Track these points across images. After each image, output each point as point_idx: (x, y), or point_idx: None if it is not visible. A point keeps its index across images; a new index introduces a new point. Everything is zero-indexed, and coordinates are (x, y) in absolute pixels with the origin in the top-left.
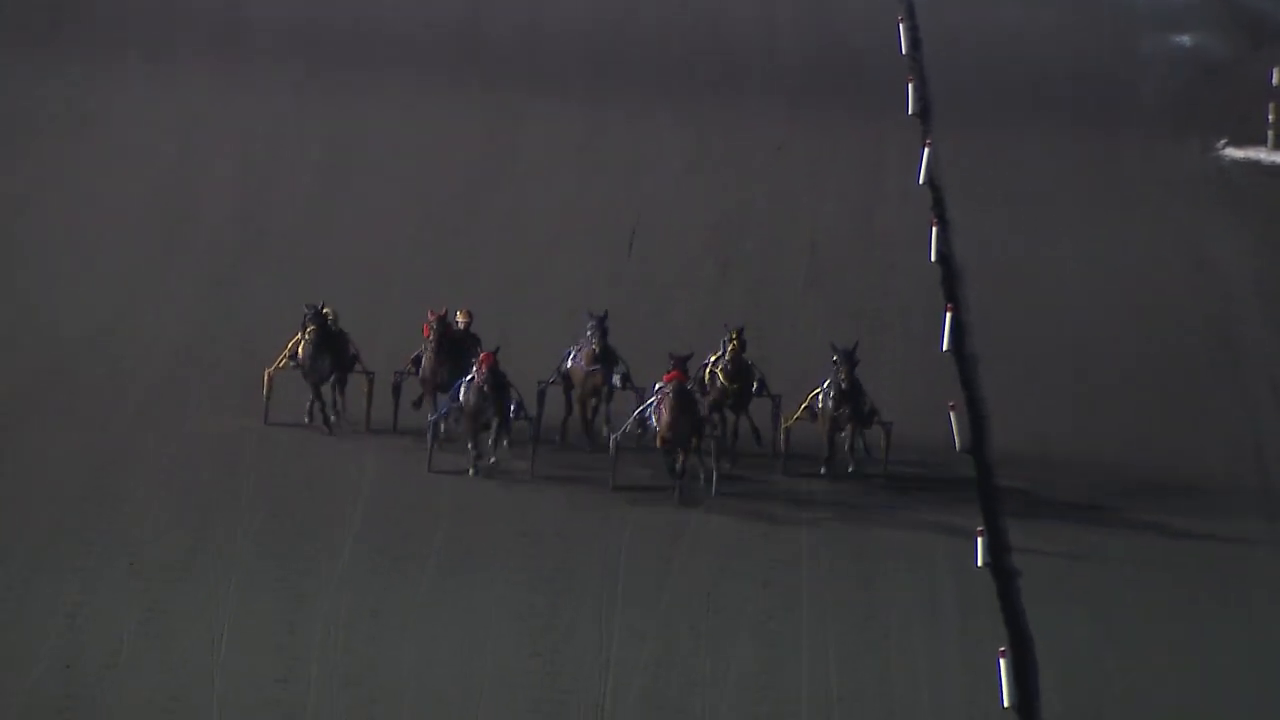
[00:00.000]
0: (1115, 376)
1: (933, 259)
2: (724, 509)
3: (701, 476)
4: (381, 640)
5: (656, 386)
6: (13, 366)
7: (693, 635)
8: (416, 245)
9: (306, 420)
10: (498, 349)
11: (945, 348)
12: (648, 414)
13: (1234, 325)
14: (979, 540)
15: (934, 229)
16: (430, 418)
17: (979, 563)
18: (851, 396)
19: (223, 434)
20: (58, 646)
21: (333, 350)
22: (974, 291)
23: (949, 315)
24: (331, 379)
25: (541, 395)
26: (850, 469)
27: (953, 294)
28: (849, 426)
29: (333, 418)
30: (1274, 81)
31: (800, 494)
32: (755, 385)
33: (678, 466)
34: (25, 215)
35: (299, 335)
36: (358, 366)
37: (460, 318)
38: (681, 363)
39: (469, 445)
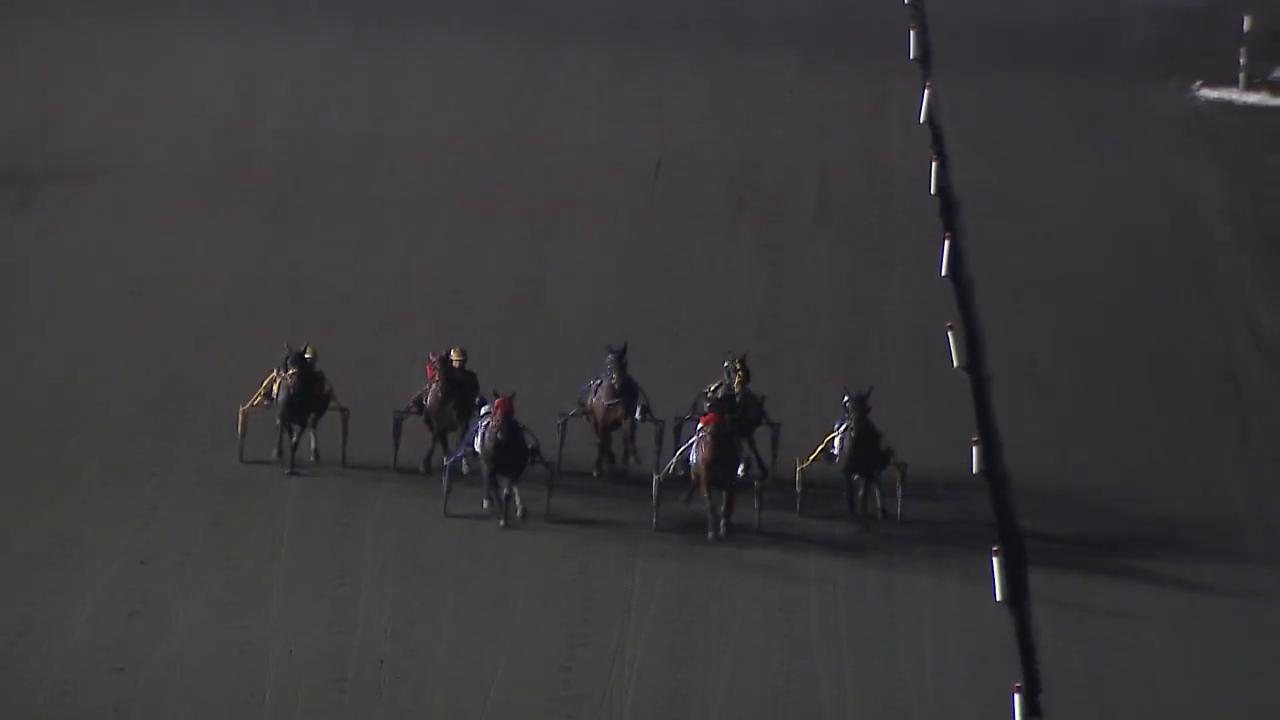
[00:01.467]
0: (1099, 300)
1: (932, 192)
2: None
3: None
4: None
5: (701, 420)
6: (90, 295)
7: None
8: (456, 181)
9: (274, 455)
10: (513, 394)
11: (944, 273)
12: (688, 455)
13: (1207, 251)
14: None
15: (933, 164)
16: (446, 461)
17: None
18: (865, 443)
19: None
20: (133, 545)
21: (309, 392)
22: (970, 221)
23: (947, 243)
24: (308, 420)
25: (563, 427)
26: (880, 517)
27: (950, 224)
28: (866, 470)
29: (311, 457)
30: (1245, 27)
31: (818, 530)
32: (756, 413)
33: (718, 507)
34: (94, 153)
35: (274, 373)
36: (332, 404)
37: (455, 356)
38: (718, 405)
39: (487, 493)
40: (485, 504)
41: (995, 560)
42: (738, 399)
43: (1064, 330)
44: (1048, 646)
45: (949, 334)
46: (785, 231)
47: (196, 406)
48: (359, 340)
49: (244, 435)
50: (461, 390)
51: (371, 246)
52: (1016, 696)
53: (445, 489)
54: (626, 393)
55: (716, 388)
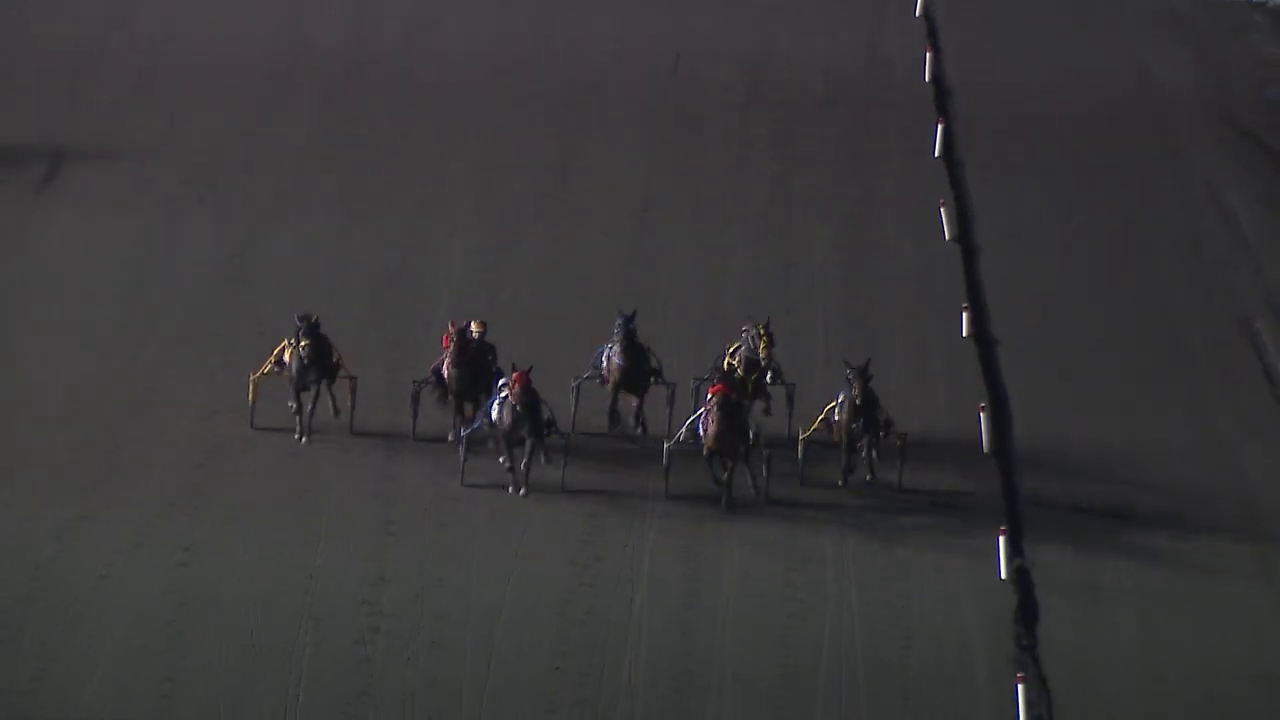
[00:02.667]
0: (1078, 177)
1: (926, 80)
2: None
3: (750, 479)
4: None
5: (709, 392)
6: (165, 170)
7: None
8: (491, 72)
9: (296, 437)
10: (530, 368)
11: (937, 154)
12: (697, 425)
13: (1176, 133)
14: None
15: (928, 55)
16: (463, 432)
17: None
18: (866, 410)
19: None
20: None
21: (321, 360)
22: (961, 106)
23: (940, 127)
24: (317, 387)
25: (577, 392)
26: (868, 478)
27: (943, 108)
28: (865, 440)
29: (333, 415)
30: None
31: (824, 497)
32: (772, 374)
33: (724, 475)
34: (165, 47)
35: (285, 342)
36: (341, 372)
37: (475, 328)
38: (727, 375)
39: (503, 461)
40: (502, 460)
41: (1001, 539)
42: (763, 363)
43: (1046, 204)
44: (1052, 624)
45: (941, 209)
46: (793, 116)
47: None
48: (405, 211)
49: (255, 402)
50: (476, 362)
51: (419, 131)
52: (1020, 687)
53: (462, 459)
54: (638, 358)
55: (736, 348)
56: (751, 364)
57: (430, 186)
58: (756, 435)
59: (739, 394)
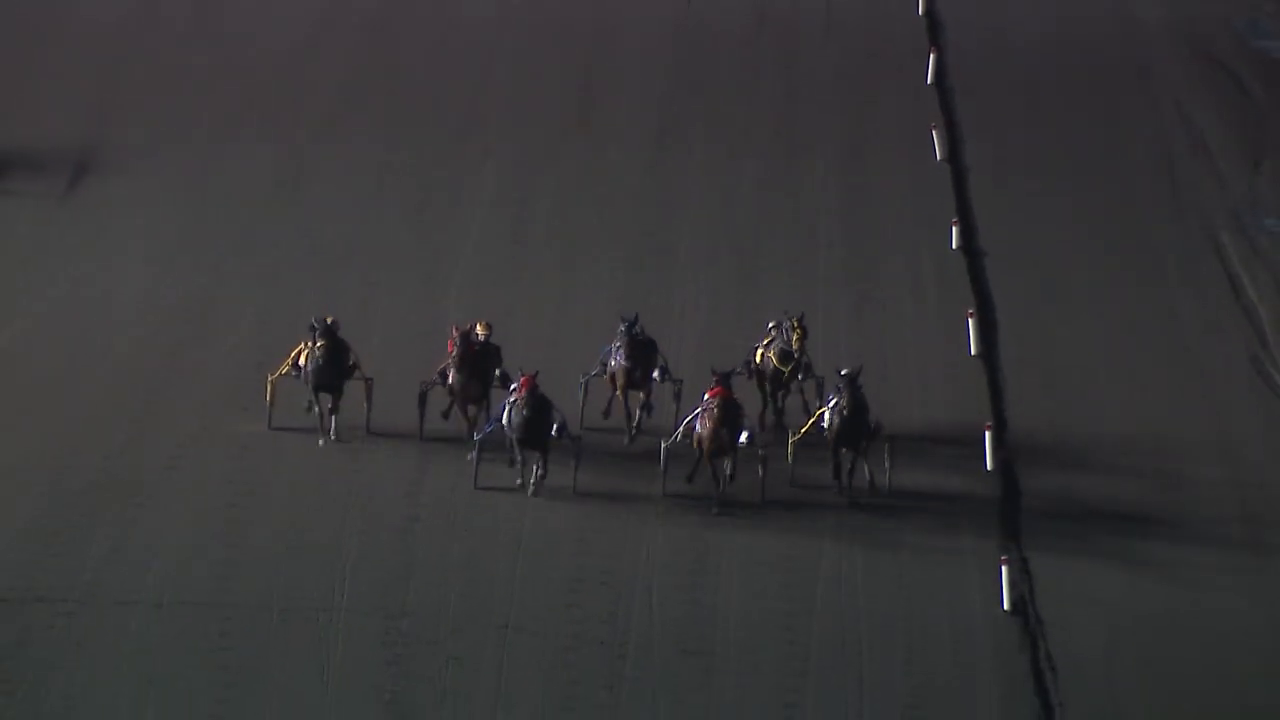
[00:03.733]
0: (1059, 100)
1: (920, 13)
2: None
3: (760, 471)
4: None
5: (707, 394)
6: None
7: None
8: (521, 12)
9: (320, 443)
10: (536, 372)
11: (929, 81)
12: (694, 424)
13: (1146, 56)
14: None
15: None
16: (476, 436)
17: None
18: (855, 418)
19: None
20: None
21: (337, 362)
22: (952, 37)
23: (933, 56)
24: (336, 385)
25: (585, 388)
26: (867, 486)
27: (936, 39)
28: (856, 448)
29: (333, 420)
30: None
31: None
32: (805, 368)
33: (723, 474)
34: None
35: (303, 345)
36: (356, 374)
37: (480, 330)
38: (724, 378)
39: (515, 465)
40: (514, 466)
41: (1004, 569)
42: (796, 356)
43: (1029, 125)
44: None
45: (934, 132)
46: (798, 44)
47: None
48: (444, 119)
49: (273, 404)
50: (480, 366)
51: (455, 54)
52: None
53: (474, 463)
54: (643, 356)
55: (769, 343)
56: (785, 356)
57: (467, 97)
58: (753, 437)
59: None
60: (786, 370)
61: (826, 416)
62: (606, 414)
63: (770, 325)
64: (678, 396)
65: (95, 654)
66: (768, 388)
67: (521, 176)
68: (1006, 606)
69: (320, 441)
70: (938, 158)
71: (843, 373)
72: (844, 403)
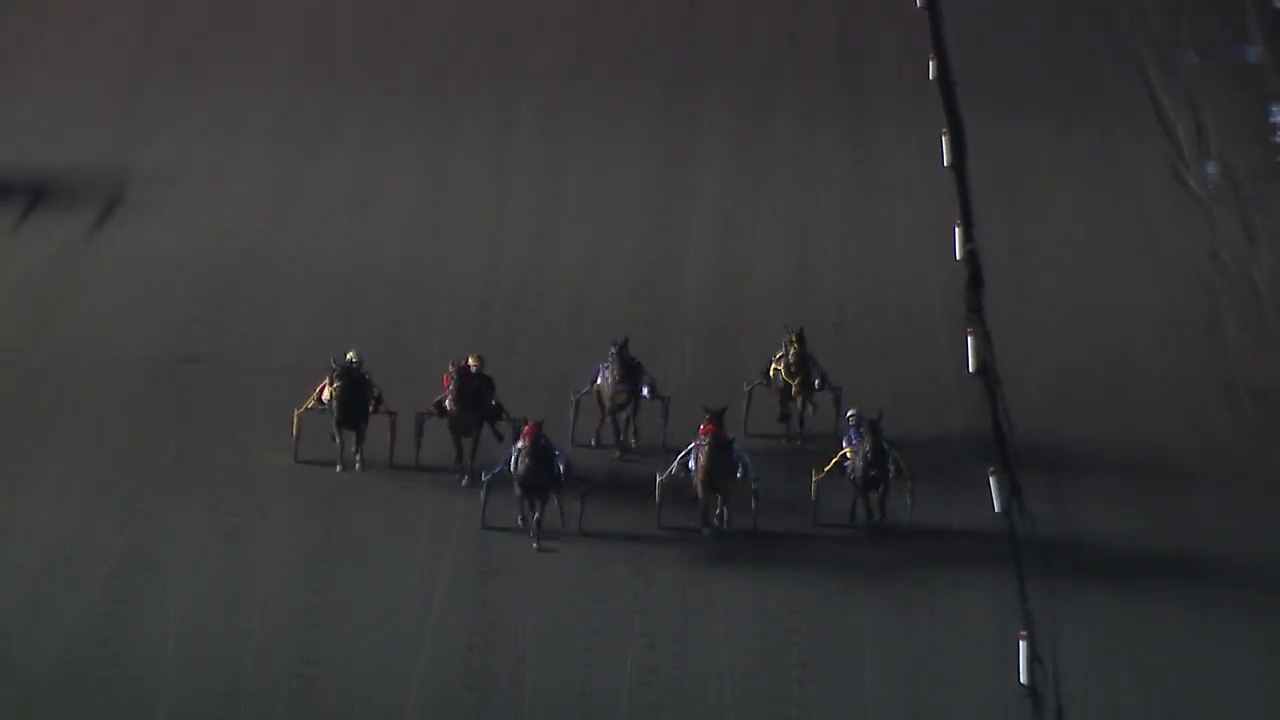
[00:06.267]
0: (1042, 38)
1: None
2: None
3: (754, 504)
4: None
5: (699, 431)
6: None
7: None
8: None
9: (337, 469)
10: (541, 421)
11: (919, 4)
12: (689, 460)
13: (1122, 5)
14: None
15: None
16: (484, 477)
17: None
18: (877, 464)
19: None
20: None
21: (359, 399)
22: None
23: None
24: (358, 422)
25: (576, 406)
26: (882, 519)
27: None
28: (878, 490)
29: (356, 465)
30: None
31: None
32: (817, 380)
33: (716, 510)
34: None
35: (326, 381)
36: (381, 408)
37: (473, 362)
38: (716, 416)
39: (520, 511)
40: (520, 519)
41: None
42: (793, 368)
43: (1016, 54)
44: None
45: (930, 63)
46: (799, 3)
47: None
48: (461, 99)
49: (299, 437)
50: (474, 400)
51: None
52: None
53: (483, 503)
54: (631, 377)
55: (780, 356)
56: (792, 370)
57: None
58: (747, 469)
59: (728, 436)
60: (795, 384)
61: (850, 459)
62: (597, 441)
63: (785, 340)
64: (665, 414)
65: None
66: (780, 399)
67: (551, 114)
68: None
69: (338, 468)
70: (931, 76)
71: (864, 419)
72: (867, 447)
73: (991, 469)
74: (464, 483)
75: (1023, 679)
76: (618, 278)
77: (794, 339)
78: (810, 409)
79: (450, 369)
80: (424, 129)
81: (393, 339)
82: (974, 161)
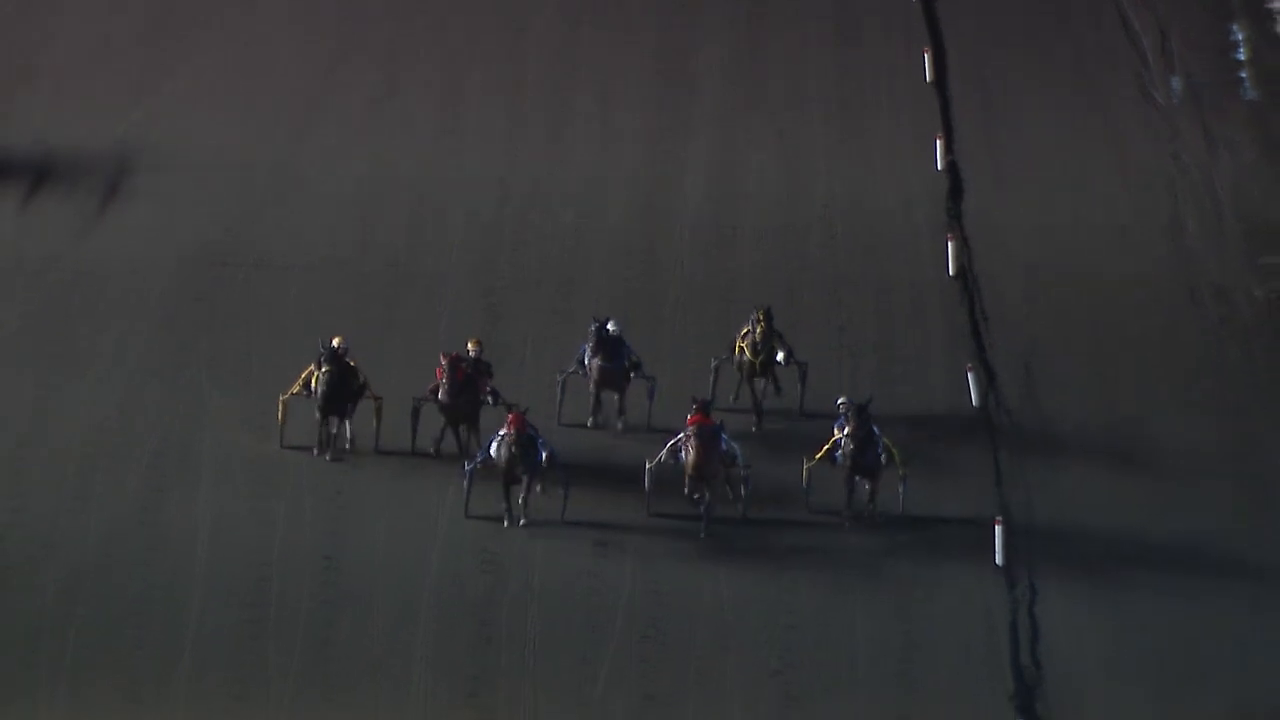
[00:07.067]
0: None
1: None
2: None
3: (734, 495)
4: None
5: (688, 421)
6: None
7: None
8: None
9: (314, 452)
10: (526, 409)
11: None
12: (679, 449)
13: None
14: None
15: None
16: (466, 466)
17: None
18: (866, 449)
19: None
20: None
21: (345, 385)
22: None
23: None
24: (344, 409)
25: (563, 385)
26: (873, 508)
27: None
28: (867, 476)
29: (346, 445)
30: None
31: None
32: (784, 355)
33: (704, 498)
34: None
35: (313, 368)
36: (366, 394)
37: (471, 346)
38: (704, 406)
39: (503, 499)
40: (504, 501)
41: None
42: (758, 345)
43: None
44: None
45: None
46: None
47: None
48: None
49: (284, 424)
50: (467, 390)
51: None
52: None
53: (466, 491)
54: (617, 355)
55: (745, 333)
56: (755, 348)
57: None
58: (736, 457)
59: (717, 423)
60: (757, 362)
61: (842, 446)
62: (594, 420)
63: (753, 318)
64: (651, 394)
65: None
66: (742, 376)
67: (555, 77)
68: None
69: (315, 452)
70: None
71: (853, 404)
72: (856, 432)
73: (969, 364)
74: (461, 477)
75: (998, 560)
76: (622, 187)
77: (760, 316)
78: (773, 388)
79: (442, 360)
80: (439, 52)
81: (413, 244)
82: (954, 78)
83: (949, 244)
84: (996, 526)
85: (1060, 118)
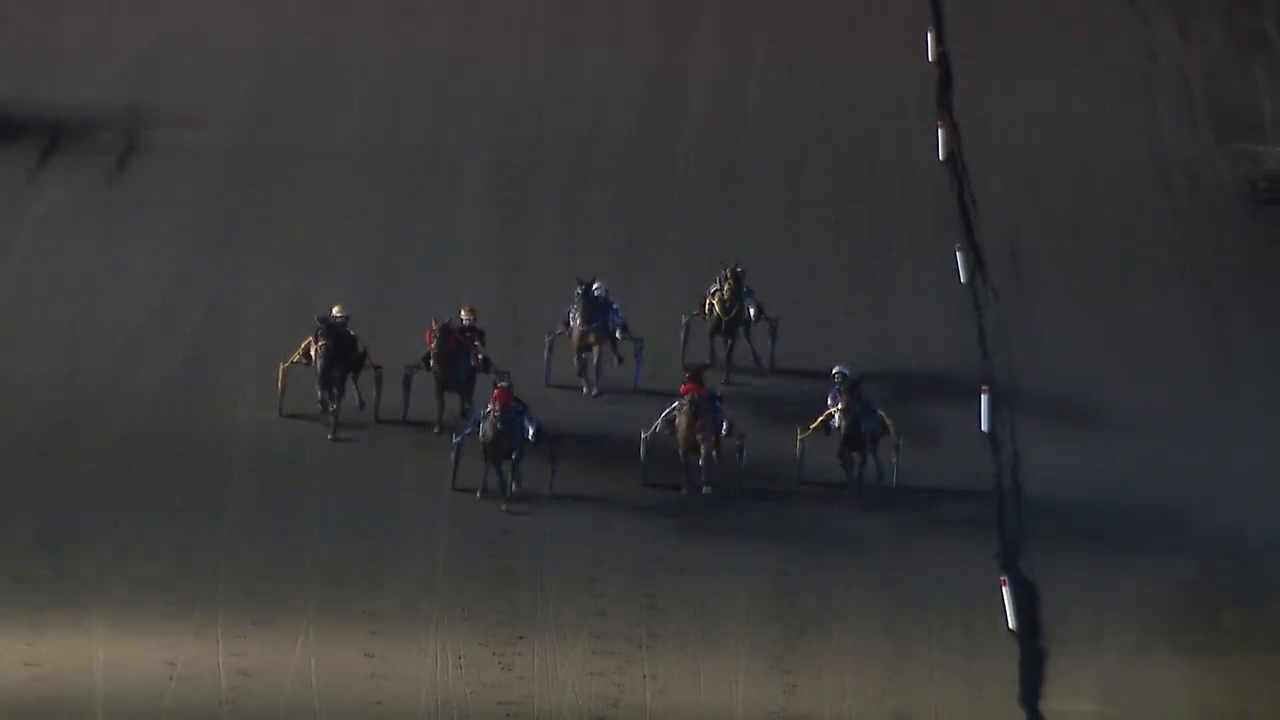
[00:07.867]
0: None
1: None
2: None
3: (740, 454)
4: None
5: (680, 392)
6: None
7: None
8: None
9: (320, 409)
10: (510, 385)
11: None
12: (673, 418)
13: None
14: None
15: None
16: (454, 439)
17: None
18: (859, 422)
19: None
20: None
21: (343, 356)
22: None
23: None
24: (344, 379)
25: (550, 346)
26: (876, 477)
27: None
28: (861, 448)
29: (357, 405)
30: None
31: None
32: (754, 312)
33: (698, 469)
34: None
35: (312, 337)
36: (366, 363)
37: (465, 314)
38: (697, 374)
39: (488, 475)
40: (480, 493)
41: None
42: (727, 303)
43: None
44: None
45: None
46: None
47: None
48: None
49: (284, 391)
50: (458, 355)
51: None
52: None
53: (453, 465)
54: (599, 316)
55: (715, 291)
56: (726, 305)
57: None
58: (730, 426)
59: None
60: (726, 319)
61: (836, 418)
62: (588, 388)
63: (721, 276)
64: (639, 355)
65: None
66: (710, 331)
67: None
68: (984, 428)
69: (329, 436)
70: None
71: (838, 371)
72: (849, 405)
73: (958, 244)
74: (451, 450)
75: (984, 427)
76: (632, 83)
77: (729, 275)
78: (740, 344)
79: (433, 325)
80: None
81: (435, 126)
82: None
83: (939, 130)
84: (982, 395)
85: (1044, 15)
